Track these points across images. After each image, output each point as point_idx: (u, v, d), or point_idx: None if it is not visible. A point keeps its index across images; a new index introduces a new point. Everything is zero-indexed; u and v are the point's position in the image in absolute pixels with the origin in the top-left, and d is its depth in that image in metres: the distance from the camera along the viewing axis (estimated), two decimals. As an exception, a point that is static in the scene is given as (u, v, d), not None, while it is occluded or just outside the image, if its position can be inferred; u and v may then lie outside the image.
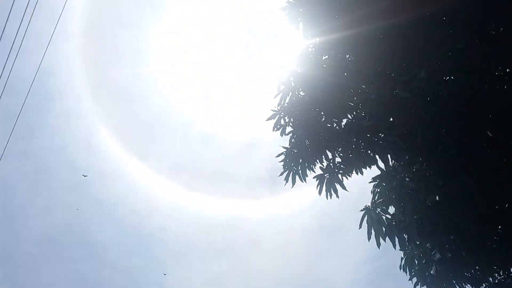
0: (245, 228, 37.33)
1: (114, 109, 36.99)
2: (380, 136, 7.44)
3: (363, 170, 8.25)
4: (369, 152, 7.96)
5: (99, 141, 34.74)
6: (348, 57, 7.86)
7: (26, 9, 9.33)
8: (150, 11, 36.72)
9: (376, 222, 6.90)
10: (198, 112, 39.61)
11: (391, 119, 7.26)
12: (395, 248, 6.94)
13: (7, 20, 9.70)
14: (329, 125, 7.93)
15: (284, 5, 8.13)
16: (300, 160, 8.33)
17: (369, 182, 7.93)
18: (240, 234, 37.44)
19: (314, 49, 8.14)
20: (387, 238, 6.83)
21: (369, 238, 6.86)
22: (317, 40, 8.00)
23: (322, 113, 7.99)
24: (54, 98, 33.83)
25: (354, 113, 7.86)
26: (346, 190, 8.18)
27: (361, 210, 7.11)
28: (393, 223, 6.94)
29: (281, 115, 8.29)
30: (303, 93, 8.12)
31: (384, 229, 7.01)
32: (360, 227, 7.06)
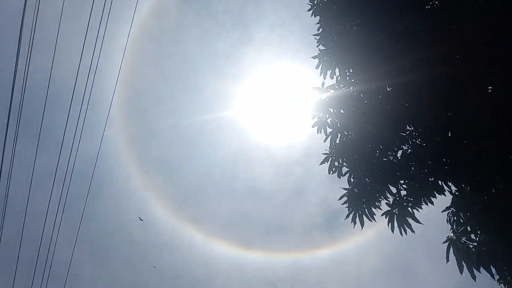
0: (310, 280, 35.68)
1: (160, 181, 38.37)
2: (444, 161, 7.13)
3: (432, 199, 7.82)
4: (433, 179, 7.60)
5: (151, 214, 35.78)
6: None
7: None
8: (179, 83, 39.16)
9: (464, 252, 6.35)
10: (240, 167, 40.20)
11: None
12: (494, 278, 6.31)
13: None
14: (385, 159, 7.70)
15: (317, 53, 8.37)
16: (364, 199, 8.05)
17: (443, 211, 7.48)
18: (305, 287, 35.76)
19: (355, 94, 8.10)
20: (481, 269, 6.24)
21: (461, 271, 6.29)
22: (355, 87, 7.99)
23: (376, 150, 7.80)
24: (104, 182, 35.80)
25: (410, 142, 7.64)
26: (420, 223, 7.72)
27: (444, 242, 6.62)
28: (484, 250, 6.36)
29: (334, 157, 8.19)
30: (352, 133, 8.05)
31: (474, 258, 6.43)
32: (448, 260, 6.53)
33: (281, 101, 37.97)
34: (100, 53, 9.50)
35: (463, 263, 6.23)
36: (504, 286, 6.71)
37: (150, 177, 37.00)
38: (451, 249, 6.46)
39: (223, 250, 34.54)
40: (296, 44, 38.66)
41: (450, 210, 7.27)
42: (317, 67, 8.32)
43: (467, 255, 6.45)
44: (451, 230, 7.21)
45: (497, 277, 6.35)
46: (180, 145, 40.39)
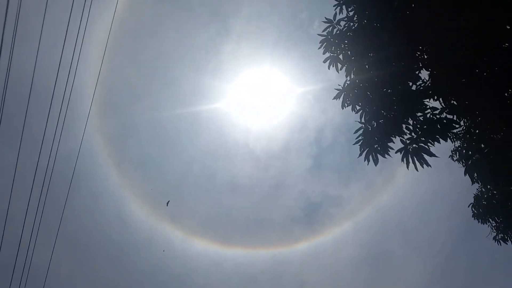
0: (289, 272, 35.31)
1: (138, 178, 37.03)
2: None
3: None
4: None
5: (130, 212, 34.43)
6: None
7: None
8: (157, 78, 38.15)
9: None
10: (219, 162, 39.47)
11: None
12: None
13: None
14: (401, 88, 7.45)
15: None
16: (378, 135, 7.76)
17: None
18: (285, 280, 35.35)
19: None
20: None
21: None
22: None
23: (393, 80, 7.54)
24: (81, 180, 34.15)
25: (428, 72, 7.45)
26: (436, 156, 7.51)
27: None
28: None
29: (347, 93, 7.87)
30: (367, 66, 7.76)
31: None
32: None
33: (260, 95, 37.85)
34: (79, 50, 9.04)
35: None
36: None
37: (128, 174, 35.67)
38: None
39: (202, 247, 33.65)
40: (275, 36, 38.67)
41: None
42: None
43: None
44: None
45: None
46: (157, 141, 39.25)
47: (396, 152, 7.71)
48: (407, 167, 7.59)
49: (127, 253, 33.90)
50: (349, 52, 7.51)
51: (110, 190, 34.74)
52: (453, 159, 11.84)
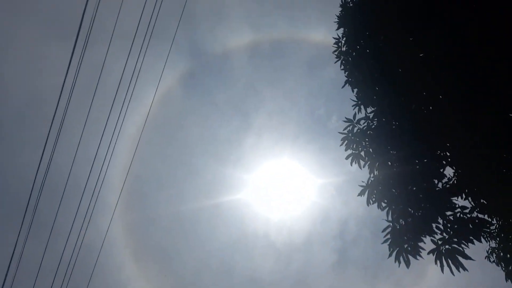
0: None
1: (155, 270, 35.78)
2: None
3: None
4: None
5: None
6: None
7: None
8: (181, 169, 39.25)
9: None
10: (239, 255, 37.94)
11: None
12: None
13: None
14: (427, 187, 7.34)
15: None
16: (408, 235, 7.43)
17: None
18: None
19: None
20: None
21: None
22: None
23: (417, 178, 7.49)
24: (98, 272, 33.28)
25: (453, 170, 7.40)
26: (472, 259, 7.03)
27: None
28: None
29: (371, 189, 7.79)
30: (390, 163, 7.81)
31: None
32: None
33: (281, 186, 37.88)
34: (110, 145, 9.88)
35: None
36: None
37: (144, 266, 34.62)
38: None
39: None
40: (295, 130, 40.04)
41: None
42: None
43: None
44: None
45: None
46: (178, 232, 38.79)
47: (428, 254, 7.28)
48: (442, 271, 7.09)
49: None
50: (370, 150, 7.64)
51: (125, 282, 33.36)
52: (489, 261, 11.07)
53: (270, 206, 38.20)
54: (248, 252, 38.00)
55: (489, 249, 10.96)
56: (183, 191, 39.08)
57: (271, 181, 37.57)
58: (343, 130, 8.28)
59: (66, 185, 10.26)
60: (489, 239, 11.13)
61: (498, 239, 10.92)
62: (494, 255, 10.89)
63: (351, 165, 8.11)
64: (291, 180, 37.80)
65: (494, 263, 10.92)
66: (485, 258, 11.07)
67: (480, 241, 7.57)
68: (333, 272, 36.99)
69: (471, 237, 7.32)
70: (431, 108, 7.18)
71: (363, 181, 7.91)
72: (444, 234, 7.21)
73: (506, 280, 10.80)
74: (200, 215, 37.82)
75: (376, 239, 38.23)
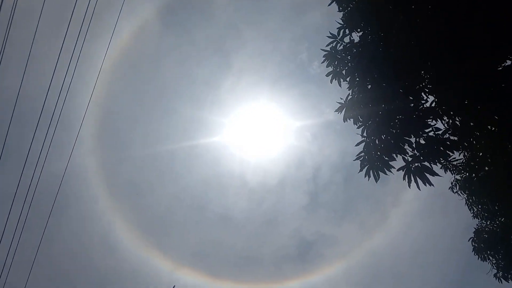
0: (280, 313, 33.64)
1: (128, 205, 36.23)
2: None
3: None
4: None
5: (116, 239, 33.32)
6: None
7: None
8: (157, 106, 38.42)
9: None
10: (213, 193, 38.77)
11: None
12: None
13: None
14: (406, 106, 7.34)
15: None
16: (379, 152, 7.55)
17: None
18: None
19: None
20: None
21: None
22: None
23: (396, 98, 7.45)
24: (70, 202, 33.37)
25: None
26: (439, 176, 7.28)
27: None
28: None
29: (349, 106, 7.76)
30: (369, 84, 7.70)
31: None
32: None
33: (258, 130, 37.97)
34: (75, 73, 9.27)
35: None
36: None
37: (118, 200, 34.88)
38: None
39: (190, 279, 32.19)
40: (275, 74, 39.44)
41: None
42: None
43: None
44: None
45: None
46: (151, 169, 38.80)
47: (398, 170, 7.48)
48: (409, 186, 7.34)
49: (110, 282, 32.31)
50: (351, 65, 7.48)
51: (99, 214, 33.79)
52: (453, 191, 11.64)
53: (247, 148, 38.52)
54: (221, 191, 38.87)
55: (453, 180, 11.48)
56: (157, 130, 38.67)
57: (249, 123, 37.51)
58: (326, 46, 8.03)
59: (40, 116, 9.77)
60: (455, 172, 11.63)
61: (463, 171, 11.42)
62: (458, 186, 11.44)
63: (331, 82, 7.98)
64: (269, 123, 37.86)
65: (456, 193, 11.51)
66: (449, 189, 11.64)
67: (448, 160, 7.81)
68: (303, 213, 38.60)
69: (440, 157, 7.53)
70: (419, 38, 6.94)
71: (341, 98, 7.85)
72: (415, 152, 7.36)
73: (466, 205, 11.46)
74: (175, 155, 37.87)
75: (347, 185, 39.70)
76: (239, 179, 37.87)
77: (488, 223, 11.31)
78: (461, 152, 10.84)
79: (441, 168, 10.58)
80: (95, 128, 33.03)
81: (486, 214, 11.45)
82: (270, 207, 38.54)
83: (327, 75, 7.98)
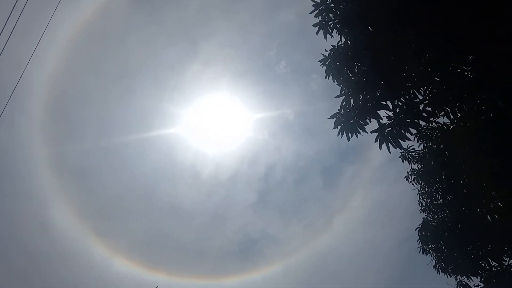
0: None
1: (71, 186, 33.54)
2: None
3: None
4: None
5: (54, 220, 30.70)
6: None
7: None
8: (116, 87, 36.22)
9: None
10: (163, 182, 37.19)
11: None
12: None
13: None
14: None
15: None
16: (356, 112, 7.25)
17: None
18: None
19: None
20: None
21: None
22: None
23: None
24: (10, 178, 30.26)
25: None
26: (410, 140, 7.15)
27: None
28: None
29: (332, 60, 7.39)
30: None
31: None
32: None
33: (217, 122, 37.10)
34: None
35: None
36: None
37: (59, 179, 32.06)
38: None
39: (125, 268, 30.32)
40: (242, 67, 38.87)
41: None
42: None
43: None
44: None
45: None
46: (102, 154, 36.26)
47: (371, 132, 7.23)
48: (380, 148, 7.11)
49: (39, 263, 29.57)
50: (341, 14, 7.10)
51: (37, 193, 30.86)
52: (408, 180, 11.76)
53: (203, 140, 37.47)
54: (172, 181, 37.40)
55: (410, 170, 11.61)
56: (114, 114, 36.27)
57: (209, 114, 36.51)
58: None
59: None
60: (413, 161, 11.77)
61: (420, 162, 11.56)
62: (413, 176, 11.58)
63: (317, 34, 7.56)
64: (228, 117, 37.13)
65: (411, 183, 11.64)
66: (404, 177, 11.76)
67: (418, 129, 7.68)
68: (251, 211, 38.21)
69: (413, 126, 7.37)
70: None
71: (326, 50, 7.46)
72: (392, 114, 7.14)
73: (418, 195, 11.61)
74: (129, 143, 35.64)
75: (298, 187, 39.96)
76: (191, 170, 36.67)
77: (434, 217, 11.53)
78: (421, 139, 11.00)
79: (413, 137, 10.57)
80: (48, 104, 30.28)
81: (433, 209, 11.68)
82: (220, 201, 37.74)
83: (314, 25, 7.55)
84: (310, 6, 7.71)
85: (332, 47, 7.41)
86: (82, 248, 30.38)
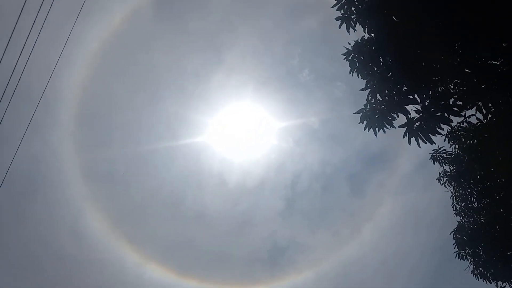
0: (243, 314, 32.48)
1: (101, 193, 34.46)
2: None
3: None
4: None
5: (86, 227, 31.62)
6: None
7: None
8: (142, 95, 37.19)
9: None
10: (190, 190, 37.53)
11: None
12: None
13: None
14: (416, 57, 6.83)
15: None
16: (382, 107, 7.01)
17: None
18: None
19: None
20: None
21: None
22: None
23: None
24: (43, 185, 31.52)
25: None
26: (442, 134, 6.82)
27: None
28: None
29: (356, 53, 7.21)
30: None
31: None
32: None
33: (242, 130, 37.27)
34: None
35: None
36: None
37: (91, 188, 33.00)
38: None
39: (157, 274, 30.60)
40: (265, 75, 38.96)
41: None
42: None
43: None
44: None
45: None
46: (130, 159, 37.10)
47: (400, 127, 6.95)
48: (409, 143, 6.81)
49: (75, 269, 30.40)
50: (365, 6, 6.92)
51: (69, 200, 31.90)
52: (440, 183, 11.26)
53: (229, 148, 37.66)
54: (199, 188, 37.61)
55: (442, 171, 11.12)
56: (141, 121, 37.11)
57: (234, 123, 36.70)
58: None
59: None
60: (443, 163, 11.27)
61: (453, 163, 11.05)
62: (445, 178, 11.07)
63: (339, 27, 7.40)
64: (253, 125, 37.24)
65: (443, 185, 11.13)
66: (436, 180, 11.26)
67: (450, 124, 7.32)
68: (279, 218, 37.84)
69: (444, 121, 7.03)
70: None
71: (349, 43, 7.30)
72: (420, 108, 6.84)
73: (452, 198, 11.06)
74: (156, 150, 36.29)
75: (325, 195, 39.30)
76: (218, 178, 36.81)
77: (470, 220, 10.95)
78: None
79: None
80: (76, 112, 31.44)
81: (468, 212, 11.10)
82: (247, 208, 37.62)
83: (337, 19, 7.41)
84: (332, 13, 7.61)
85: (355, 42, 7.23)
86: (114, 255, 30.92)
